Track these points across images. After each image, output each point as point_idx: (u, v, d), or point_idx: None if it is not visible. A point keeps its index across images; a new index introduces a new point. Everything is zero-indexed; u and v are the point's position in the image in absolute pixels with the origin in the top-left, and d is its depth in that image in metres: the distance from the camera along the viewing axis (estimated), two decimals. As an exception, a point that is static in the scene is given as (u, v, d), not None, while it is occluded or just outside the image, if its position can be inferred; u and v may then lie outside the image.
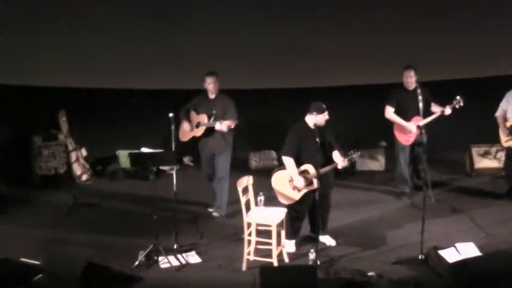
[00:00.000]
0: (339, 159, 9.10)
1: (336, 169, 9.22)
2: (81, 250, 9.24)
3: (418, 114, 10.93)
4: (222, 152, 10.43)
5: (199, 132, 10.38)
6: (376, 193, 11.80)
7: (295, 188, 9.10)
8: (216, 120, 10.16)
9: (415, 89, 10.94)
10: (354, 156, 9.13)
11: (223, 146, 10.39)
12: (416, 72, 10.92)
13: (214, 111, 10.26)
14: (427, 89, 11.05)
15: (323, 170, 8.98)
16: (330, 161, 9.16)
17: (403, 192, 11.38)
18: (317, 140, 8.97)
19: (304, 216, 9.48)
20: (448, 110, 10.74)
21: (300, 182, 9.03)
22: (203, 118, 10.33)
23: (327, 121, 9.18)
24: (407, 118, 10.95)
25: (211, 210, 10.78)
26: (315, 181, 8.93)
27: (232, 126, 10.09)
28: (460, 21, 12.99)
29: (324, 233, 9.54)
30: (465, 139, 12.76)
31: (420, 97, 10.90)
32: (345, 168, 9.35)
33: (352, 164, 12.17)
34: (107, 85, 12.52)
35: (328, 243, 9.51)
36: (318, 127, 9.10)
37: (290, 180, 9.11)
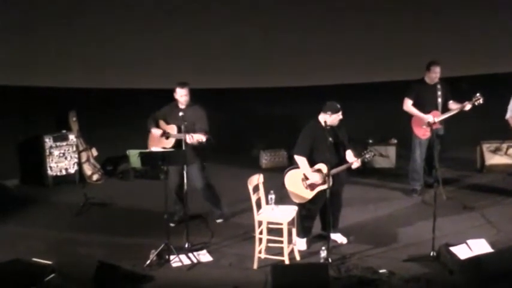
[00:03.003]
0: (352, 159, 9.10)
1: (348, 167, 9.22)
2: (92, 250, 9.28)
3: (436, 109, 10.92)
4: (192, 162, 9.96)
5: (169, 143, 10.05)
6: (387, 190, 11.78)
7: (308, 186, 9.10)
8: (186, 132, 9.75)
9: (435, 84, 10.94)
10: (367, 156, 9.15)
11: (192, 157, 9.92)
12: (440, 68, 10.91)
13: (185, 122, 9.71)
14: (448, 85, 11.03)
15: (336, 170, 8.98)
16: (343, 160, 9.15)
17: (414, 189, 11.36)
18: (330, 139, 8.95)
19: (316, 215, 9.47)
20: (468, 106, 10.71)
21: (316, 177, 9.02)
22: (173, 129, 10.03)
23: (340, 121, 9.18)
24: (425, 112, 10.91)
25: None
26: (328, 180, 8.94)
27: (204, 140, 9.71)
28: (469, 18, 12.97)
29: (335, 231, 9.53)
30: (475, 135, 12.74)
31: (440, 92, 10.90)
32: (357, 168, 9.32)
33: (364, 163, 12.19)
34: (116, 85, 12.54)
35: (339, 241, 9.51)
36: (331, 126, 9.08)
37: (303, 179, 9.11)
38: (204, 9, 12.55)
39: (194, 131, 9.74)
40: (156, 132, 10.05)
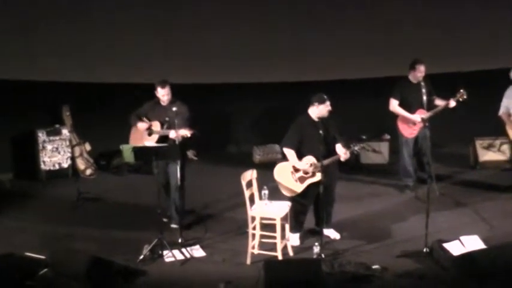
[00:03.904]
0: (341, 151, 9.10)
1: (339, 162, 9.23)
2: (85, 244, 9.27)
3: (422, 107, 10.93)
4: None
5: (152, 140, 9.92)
6: (380, 186, 11.80)
7: (297, 179, 9.10)
8: (169, 127, 9.72)
9: (419, 82, 10.94)
10: (356, 148, 9.17)
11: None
12: (425, 66, 10.92)
13: (167, 118, 9.78)
14: (430, 81, 11.05)
15: (325, 162, 8.97)
16: (332, 154, 9.15)
17: (407, 185, 11.38)
18: (320, 132, 8.95)
19: (308, 210, 9.48)
20: (452, 103, 10.73)
21: (305, 165, 9.04)
22: (156, 125, 9.95)
23: (330, 113, 9.18)
24: (412, 111, 10.95)
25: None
26: (318, 173, 8.95)
27: (189, 135, 9.55)
28: (462, 13, 12.98)
29: (328, 227, 9.54)
30: (469, 132, 12.76)
31: (424, 90, 10.91)
32: (348, 161, 9.32)
33: (356, 157, 12.19)
34: (110, 79, 12.52)
35: (332, 237, 9.52)
36: (321, 120, 9.09)
37: (292, 172, 9.11)
38: (201, 5, 12.53)
39: (178, 127, 9.61)
40: (141, 126, 9.99)
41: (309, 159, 9.07)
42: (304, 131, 9.15)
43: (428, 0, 13.00)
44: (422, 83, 10.94)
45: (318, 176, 8.99)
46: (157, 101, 9.99)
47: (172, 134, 9.56)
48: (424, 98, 10.93)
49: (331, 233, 9.54)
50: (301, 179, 9.12)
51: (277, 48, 12.98)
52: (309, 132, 9.11)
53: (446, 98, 10.81)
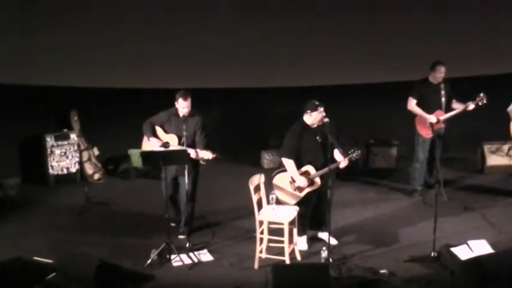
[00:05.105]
0: (339, 159, 9.07)
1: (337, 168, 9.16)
2: (93, 249, 9.26)
3: (440, 108, 10.94)
4: (184, 175, 9.45)
5: None
6: (387, 191, 11.78)
7: (296, 189, 9.09)
8: (186, 141, 9.41)
9: (438, 84, 10.96)
10: (354, 155, 9.08)
11: (189, 168, 9.43)
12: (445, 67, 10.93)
13: (185, 133, 9.40)
14: (449, 84, 11.05)
15: (324, 170, 8.97)
16: (331, 161, 9.05)
17: (415, 189, 11.36)
18: (317, 138, 8.94)
19: (309, 212, 9.44)
20: (471, 106, 10.72)
21: (302, 181, 9.02)
22: (173, 139, 9.59)
23: (325, 117, 9.08)
24: (429, 112, 10.93)
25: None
26: (317, 181, 8.99)
27: (210, 158, 9.45)
28: (472, 18, 12.96)
29: (324, 230, 9.47)
30: (477, 136, 12.73)
31: (443, 92, 10.93)
32: (349, 166, 9.25)
33: (365, 161, 12.21)
34: (118, 84, 12.53)
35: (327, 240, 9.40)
36: (319, 126, 9.06)
37: (291, 181, 9.10)
38: (205, 10, 12.54)
39: (194, 142, 9.56)
40: (154, 142, 9.66)
41: (308, 168, 9.07)
42: (301, 138, 9.13)
43: (437, 4, 12.97)
44: (442, 85, 10.96)
45: (317, 184, 9.01)
46: (174, 112, 9.68)
47: (192, 154, 9.37)
48: (443, 99, 10.95)
49: (325, 236, 9.42)
50: (300, 189, 9.10)
51: (284, 52, 12.96)
52: (306, 139, 9.09)
53: (464, 102, 10.80)
